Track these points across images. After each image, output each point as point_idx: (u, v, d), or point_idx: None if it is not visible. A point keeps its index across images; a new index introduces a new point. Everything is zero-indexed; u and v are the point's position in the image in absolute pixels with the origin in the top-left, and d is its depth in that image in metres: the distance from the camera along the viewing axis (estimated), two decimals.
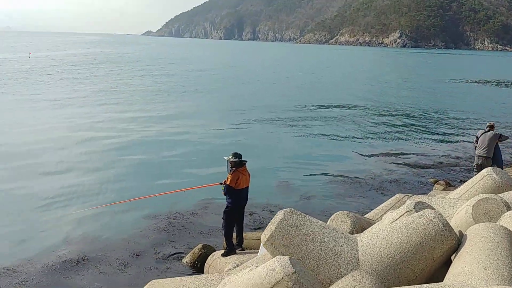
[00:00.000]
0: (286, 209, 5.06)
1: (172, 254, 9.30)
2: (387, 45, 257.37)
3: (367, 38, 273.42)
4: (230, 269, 5.78)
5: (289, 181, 14.39)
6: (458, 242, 4.81)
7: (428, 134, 22.96)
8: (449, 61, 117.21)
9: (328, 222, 6.95)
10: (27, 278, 8.20)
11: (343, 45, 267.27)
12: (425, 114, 29.36)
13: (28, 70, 48.26)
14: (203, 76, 51.05)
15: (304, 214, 5.05)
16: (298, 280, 3.80)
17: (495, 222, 5.24)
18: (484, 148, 11.68)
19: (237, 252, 7.60)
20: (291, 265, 3.88)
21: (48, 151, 16.87)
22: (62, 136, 19.49)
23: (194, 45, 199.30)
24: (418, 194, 11.20)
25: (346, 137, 21.50)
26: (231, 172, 7.82)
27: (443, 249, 4.67)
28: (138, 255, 9.25)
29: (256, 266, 4.07)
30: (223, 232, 7.97)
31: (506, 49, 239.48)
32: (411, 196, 7.23)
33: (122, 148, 17.88)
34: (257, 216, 11.45)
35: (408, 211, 5.52)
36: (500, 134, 11.97)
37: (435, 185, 13.03)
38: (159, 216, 11.11)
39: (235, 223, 8.01)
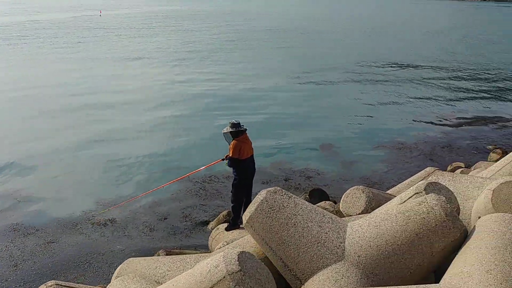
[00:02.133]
0: (269, 189, 4.50)
1: (199, 219, 9.25)
2: None
3: None
4: (220, 247, 5.40)
5: (336, 144, 13.75)
6: (465, 234, 4.06)
7: None
8: None
9: (342, 198, 6.37)
10: (53, 239, 8.38)
11: None
12: None
13: (101, 29, 48.91)
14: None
15: (290, 195, 4.48)
16: (242, 281, 3.26)
17: None
18: None
19: (240, 226, 7.21)
20: (237, 262, 3.34)
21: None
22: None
23: None
24: (458, 163, 10.17)
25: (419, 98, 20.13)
26: (232, 143, 7.41)
27: (445, 243, 3.93)
28: (165, 218, 9.29)
29: (203, 261, 3.55)
30: (231, 205, 7.61)
31: None
32: (439, 171, 6.35)
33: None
34: (293, 182, 11.05)
35: (417, 193, 4.76)
36: None
37: (491, 153, 11.80)
38: (192, 180, 10.96)
39: (244, 196, 7.60)
